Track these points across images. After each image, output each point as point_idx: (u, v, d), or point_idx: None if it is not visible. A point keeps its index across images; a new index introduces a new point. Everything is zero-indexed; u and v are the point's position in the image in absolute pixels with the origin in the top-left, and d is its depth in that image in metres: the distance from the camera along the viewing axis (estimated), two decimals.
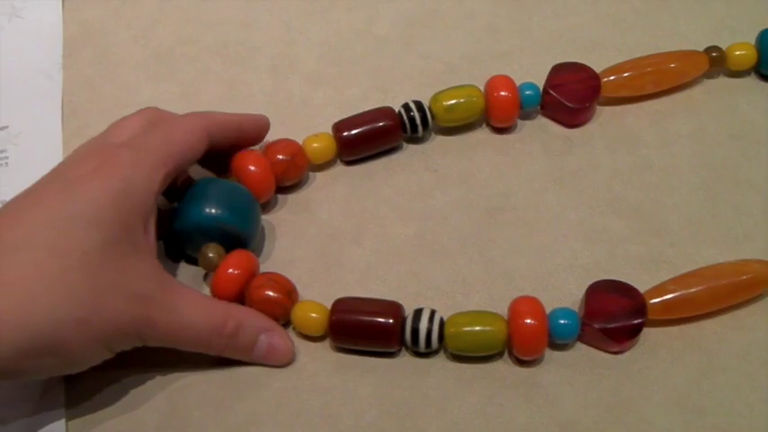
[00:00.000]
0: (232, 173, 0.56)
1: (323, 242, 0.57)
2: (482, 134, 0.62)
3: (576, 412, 0.50)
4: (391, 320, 0.51)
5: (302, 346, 0.53)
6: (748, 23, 0.66)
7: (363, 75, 0.65)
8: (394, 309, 0.52)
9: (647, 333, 0.53)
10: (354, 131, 0.59)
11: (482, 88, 0.61)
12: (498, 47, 0.66)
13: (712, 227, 0.57)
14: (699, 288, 0.52)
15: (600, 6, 0.69)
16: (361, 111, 0.61)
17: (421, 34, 0.68)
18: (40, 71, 0.67)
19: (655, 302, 0.52)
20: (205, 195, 0.53)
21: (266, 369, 0.52)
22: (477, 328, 0.51)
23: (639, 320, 0.51)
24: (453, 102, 0.60)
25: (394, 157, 0.61)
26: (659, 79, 0.63)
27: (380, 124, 0.59)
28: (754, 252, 0.56)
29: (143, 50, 0.67)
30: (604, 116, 0.63)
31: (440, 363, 0.52)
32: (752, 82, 0.65)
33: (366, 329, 0.51)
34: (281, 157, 0.57)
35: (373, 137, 0.59)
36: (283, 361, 0.52)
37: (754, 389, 0.51)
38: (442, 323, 0.51)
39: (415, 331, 0.51)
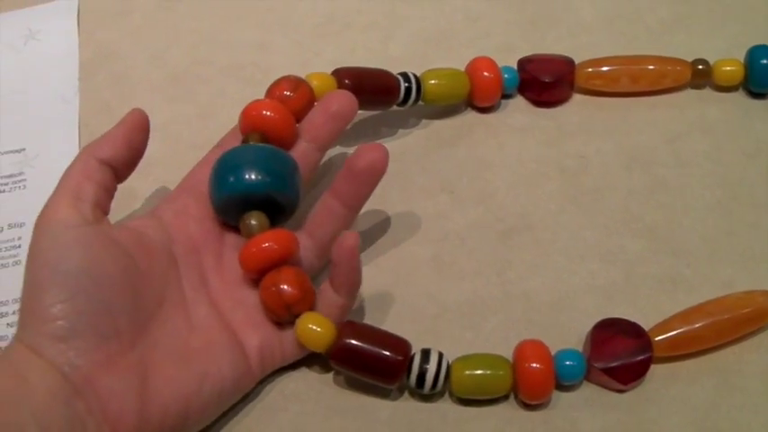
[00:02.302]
0: (243, 128, 0.54)
1: None
2: (497, 156, 0.62)
3: None
4: (398, 356, 0.50)
5: (319, 369, 0.53)
6: (764, 42, 0.65)
7: None
8: (402, 345, 0.50)
9: None
10: (357, 81, 0.59)
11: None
12: (513, 66, 0.66)
13: (729, 246, 0.57)
14: (703, 323, 0.52)
15: (614, 26, 0.70)
16: (375, 128, 0.63)
17: (435, 54, 0.68)
18: (56, 93, 0.67)
19: (660, 339, 0.52)
20: (244, 161, 0.51)
21: (284, 393, 0.52)
22: (483, 373, 0.50)
23: (645, 359, 0.51)
24: (439, 78, 0.62)
25: (410, 179, 0.61)
26: (636, 78, 0.64)
27: (382, 83, 0.60)
28: None
29: (159, 72, 0.68)
30: (619, 136, 0.63)
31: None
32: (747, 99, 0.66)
33: (370, 361, 0.50)
34: (287, 93, 0.56)
35: (373, 92, 0.60)
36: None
37: None
38: (448, 366, 0.51)
39: (423, 373, 0.50)
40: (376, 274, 0.57)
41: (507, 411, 0.51)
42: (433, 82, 0.62)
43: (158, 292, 0.50)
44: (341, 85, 0.58)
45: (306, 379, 0.53)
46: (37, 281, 0.46)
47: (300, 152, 0.55)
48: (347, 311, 0.52)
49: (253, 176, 0.51)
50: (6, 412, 0.42)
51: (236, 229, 0.53)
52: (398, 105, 0.62)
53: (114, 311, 0.46)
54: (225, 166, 0.52)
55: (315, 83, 0.57)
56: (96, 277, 0.46)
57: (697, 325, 0.52)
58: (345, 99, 0.55)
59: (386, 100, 0.61)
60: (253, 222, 0.51)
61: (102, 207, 0.50)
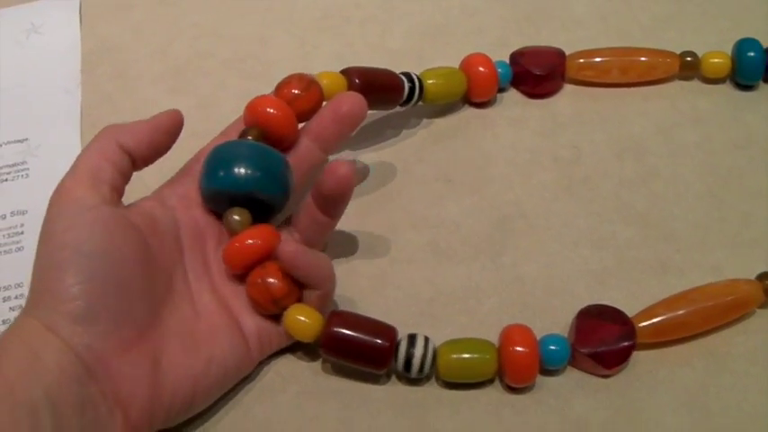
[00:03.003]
0: (246, 122, 0.55)
1: (338, 250, 0.58)
2: (492, 147, 0.64)
3: (586, 413, 0.51)
4: (385, 342, 0.51)
5: (307, 358, 0.54)
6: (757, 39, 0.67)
7: None
8: (388, 331, 0.51)
9: None
10: (365, 81, 0.59)
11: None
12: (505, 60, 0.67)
13: (718, 233, 0.58)
14: (687, 310, 0.53)
15: (609, 22, 0.71)
16: (376, 126, 0.64)
17: (432, 47, 0.70)
18: (58, 86, 0.68)
19: (644, 326, 0.53)
20: (233, 158, 0.52)
21: (283, 374, 0.53)
22: (469, 356, 0.51)
23: (629, 345, 0.52)
24: (437, 78, 0.63)
25: (407, 168, 0.62)
26: (625, 70, 0.66)
27: (387, 82, 0.61)
28: (760, 257, 0.57)
29: (160, 65, 0.69)
30: (611, 127, 0.64)
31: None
32: (754, 93, 0.67)
33: (358, 348, 0.51)
34: (295, 92, 0.55)
35: (380, 91, 0.61)
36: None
37: (762, 390, 0.52)
38: (434, 351, 0.51)
39: (409, 358, 0.51)
40: (373, 260, 0.58)
41: (499, 393, 0.52)
42: (431, 81, 0.63)
43: (168, 276, 0.51)
44: (350, 84, 0.59)
45: (303, 361, 0.54)
46: (54, 260, 0.46)
47: (303, 150, 0.56)
48: (327, 300, 0.52)
49: (240, 173, 0.51)
50: (19, 390, 0.42)
51: None
52: (401, 105, 0.63)
53: (131, 295, 0.47)
54: (215, 159, 0.52)
55: (325, 81, 0.57)
56: (115, 260, 0.47)
57: (681, 312, 0.53)
58: (356, 101, 0.55)
59: (391, 99, 0.62)
60: (235, 218, 0.52)
61: (118, 191, 0.50)
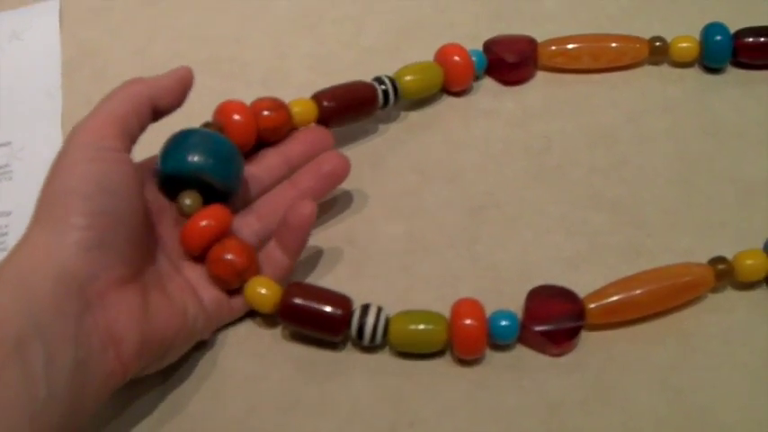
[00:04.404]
0: (213, 120, 0.57)
1: (316, 242, 0.59)
2: (465, 136, 0.65)
3: (561, 393, 0.52)
4: (340, 311, 0.53)
5: (297, 339, 0.55)
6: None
7: None
8: (344, 301, 0.53)
9: None
10: (336, 102, 0.61)
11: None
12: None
13: (688, 217, 0.59)
14: (639, 291, 0.54)
15: (578, 14, 0.72)
16: None
17: (405, 44, 0.71)
18: (40, 89, 0.69)
19: (594, 307, 0.54)
20: (187, 143, 0.54)
21: (264, 361, 0.54)
22: (420, 327, 0.53)
23: (577, 324, 0.53)
24: (414, 74, 0.65)
25: (381, 160, 0.64)
26: (596, 56, 0.67)
27: (360, 95, 0.62)
28: (728, 240, 0.58)
29: (139, 67, 0.69)
30: (582, 116, 0.66)
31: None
32: (722, 77, 0.68)
33: (314, 317, 0.53)
34: (266, 113, 0.58)
35: (353, 107, 0.62)
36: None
37: (733, 369, 0.52)
38: (387, 320, 0.53)
39: (362, 326, 0.52)
40: (349, 250, 0.59)
41: (476, 375, 0.53)
42: (408, 78, 0.64)
43: (150, 234, 0.53)
44: (321, 108, 0.60)
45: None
46: (72, 188, 0.47)
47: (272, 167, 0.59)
48: (291, 271, 0.55)
49: (192, 158, 0.53)
50: (7, 323, 0.42)
51: None
52: (380, 110, 0.64)
53: (133, 238, 0.49)
54: (169, 145, 0.54)
55: (296, 109, 0.60)
56: (129, 202, 0.48)
57: (632, 292, 0.54)
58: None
59: (368, 110, 0.63)
60: (186, 201, 0.53)
61: (134, 144, 0.52)
